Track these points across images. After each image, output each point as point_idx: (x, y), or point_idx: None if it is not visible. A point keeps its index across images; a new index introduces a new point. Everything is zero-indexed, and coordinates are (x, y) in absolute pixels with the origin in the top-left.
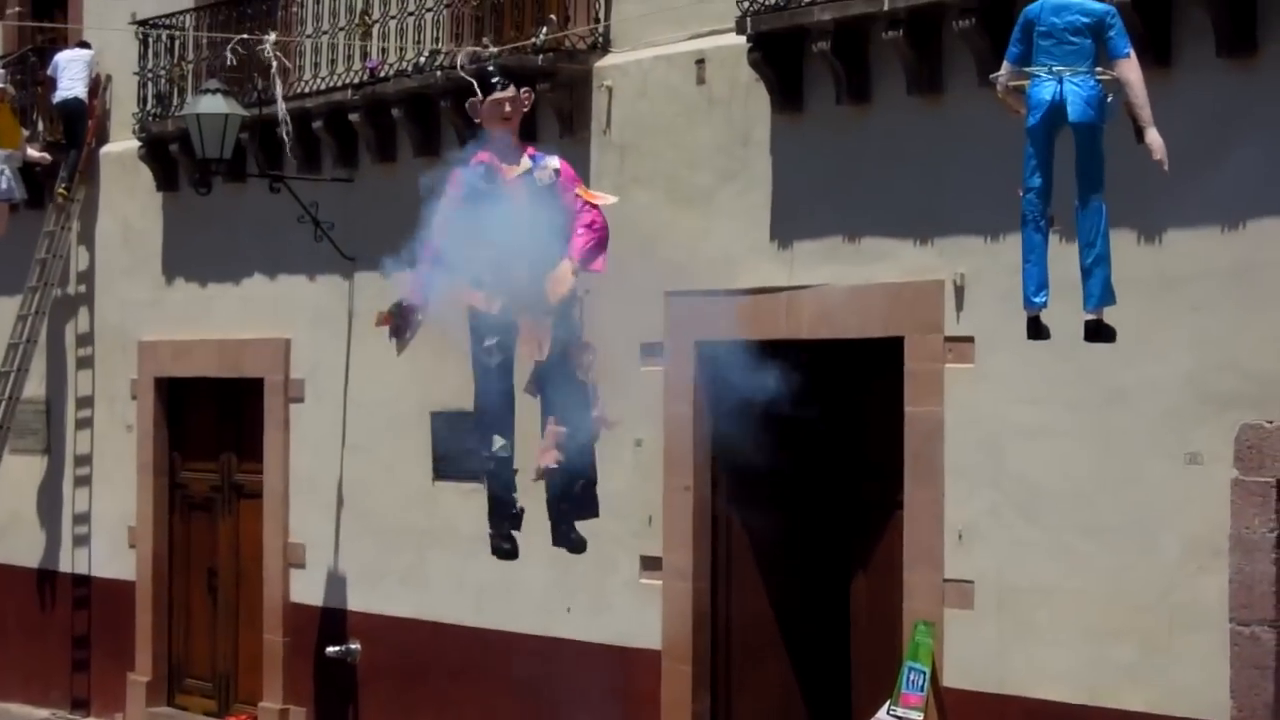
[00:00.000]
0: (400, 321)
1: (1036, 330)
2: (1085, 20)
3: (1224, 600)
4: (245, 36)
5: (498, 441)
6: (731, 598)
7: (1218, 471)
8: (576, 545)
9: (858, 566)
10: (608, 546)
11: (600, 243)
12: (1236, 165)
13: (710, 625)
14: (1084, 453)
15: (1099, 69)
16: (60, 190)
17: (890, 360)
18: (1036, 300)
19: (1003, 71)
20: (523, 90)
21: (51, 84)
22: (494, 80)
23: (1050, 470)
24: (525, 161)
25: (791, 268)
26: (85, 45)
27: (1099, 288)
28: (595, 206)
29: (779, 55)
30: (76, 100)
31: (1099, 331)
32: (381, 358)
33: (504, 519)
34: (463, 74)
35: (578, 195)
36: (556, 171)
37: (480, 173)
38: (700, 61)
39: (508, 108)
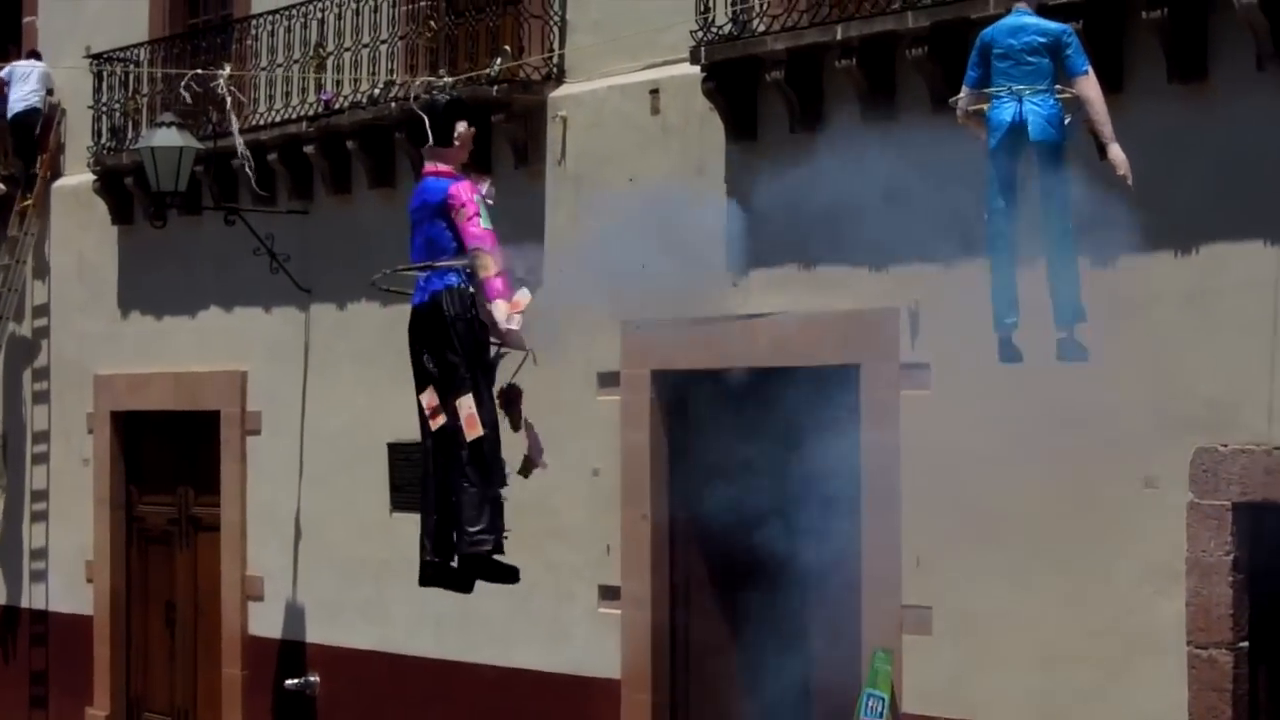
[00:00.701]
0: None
1: (1009, 352)
2: (1042, 40)
3: (1181, 624)
4: (200, 72)
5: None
6: (691, 626)
7: (1174, 495)
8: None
9: (816, 593)
10: (566, 576)
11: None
12: (1189, 190)
13: (669, 654)
14: (1040, 478)
15: (1058, 87)
16: (23, 204)
17: (846, 388)
18: (1007, 321)
19: (962, 96)
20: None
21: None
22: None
23: (1007, 496)
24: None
25: (746, 296)
26: (36, 56)
27: (1069, 305)
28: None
29: (733, 85)
30: (33, 111)
31: (1072, 349)
32: (337, 389)
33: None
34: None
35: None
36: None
37: (484, 190)
38: (655, 91)
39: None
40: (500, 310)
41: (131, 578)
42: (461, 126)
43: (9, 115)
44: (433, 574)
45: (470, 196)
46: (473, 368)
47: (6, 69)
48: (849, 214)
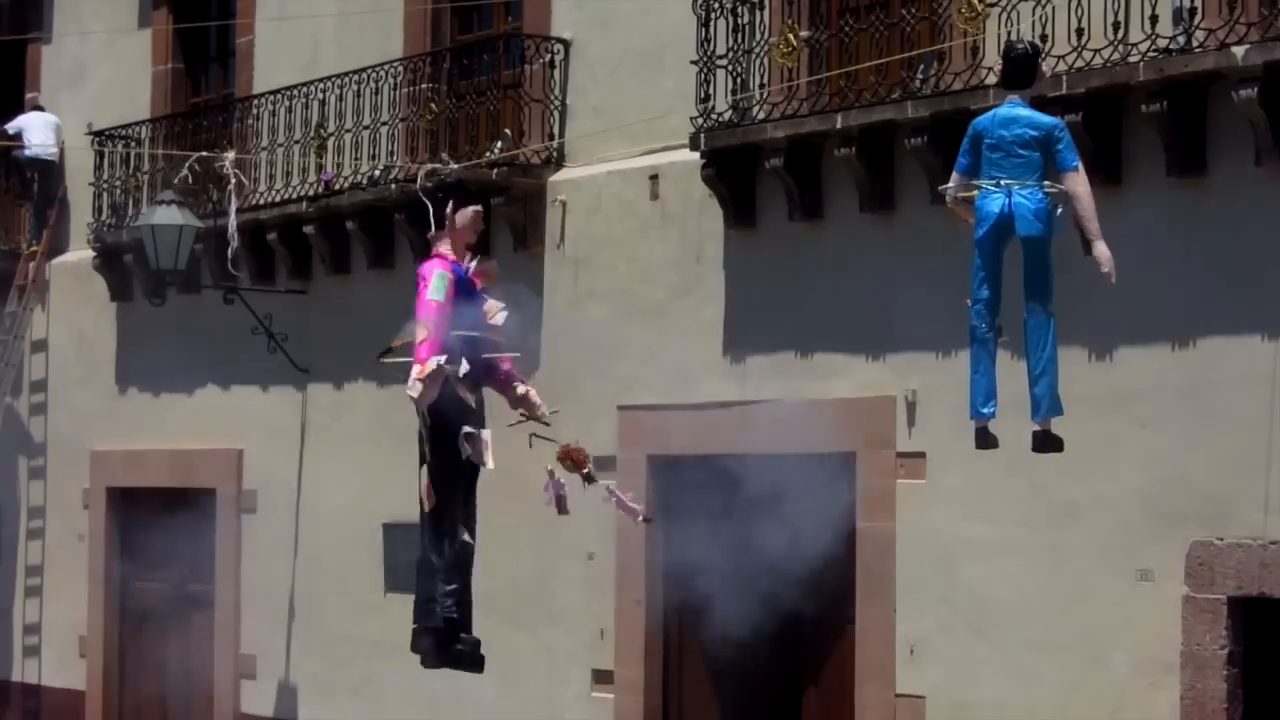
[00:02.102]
0: (430, 384)
1: (985, 440)
2: (1034, 133)
3: (1176, 717)
4: (204, 154)
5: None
6: (684, 712)
7: (1169, 588)
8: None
9: (810, 681)
10: (559, 660)
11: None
12: (1186, 283)
13: None
14: (1035, 569)
15: (1047, 182)
16: (30, 248)
17: (842, 476)
18: (985, 411)
19: (952, 182)
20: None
21: (9, 137)
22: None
23: (1002, 586)
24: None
25: (744, 382)
26: (39, 108)
27: (1045, 398)
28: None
29: (732, 171)
30: (51, 161)
31: (1047, 441)
32: (334, 469)
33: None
34: (430, 189)
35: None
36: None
37: (460, 270)
38: (654, 177)
39: (481, 222)
40: (411, 376)
41: (125, 654)
42: (455, 210)
43: (30, 157)
44: (433, 652)
45: (429, 270)
46: (433, 441)
47: (18, 121)
48: (846, 302)
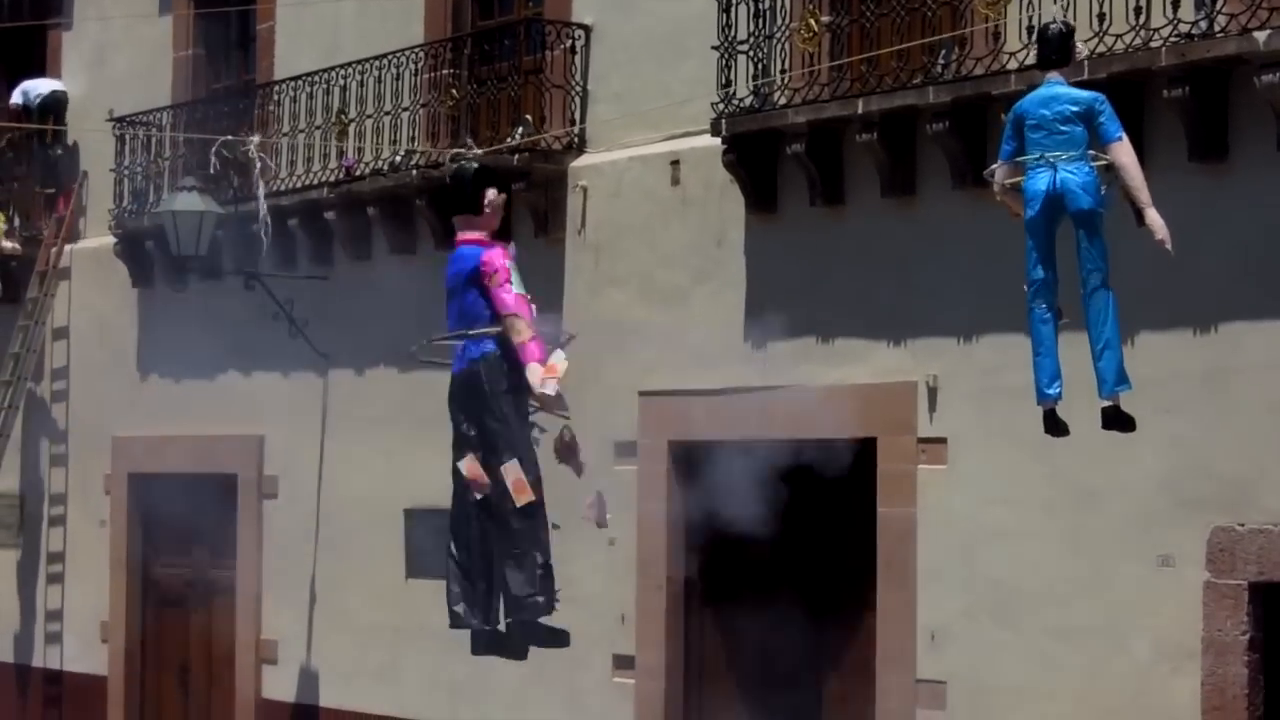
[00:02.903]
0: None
1: (1054, 425)
2: (1074, 109)
3: (1197, 703)
4: (228, 138)
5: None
6: (704, 697)
7: (1190, 574)
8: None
9: (831, 667)
10: (580, 645)
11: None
12: (1208, 269)
13: None
14: (1056, 554)
15: (1091, 152)
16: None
17: (863, 461)
18: (1049, 392)
19: (998, 169)
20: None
21: (22, 96)
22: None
23: (1023, 572)
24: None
25: (765, 368)
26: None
27: (1112, 373)
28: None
29: (753, 157)
30: (60, 96)
31: (1116, 419)
32: (355, 454)
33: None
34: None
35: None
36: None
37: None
38: (675, 162)
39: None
40: (535, 374)
41: (146, 639)
42: (491, 193)
43: (39, 99)
44: (486, 642)
45: (503, 262)
46: (515, 433)
47: (19, 91)
48: (867, 288)
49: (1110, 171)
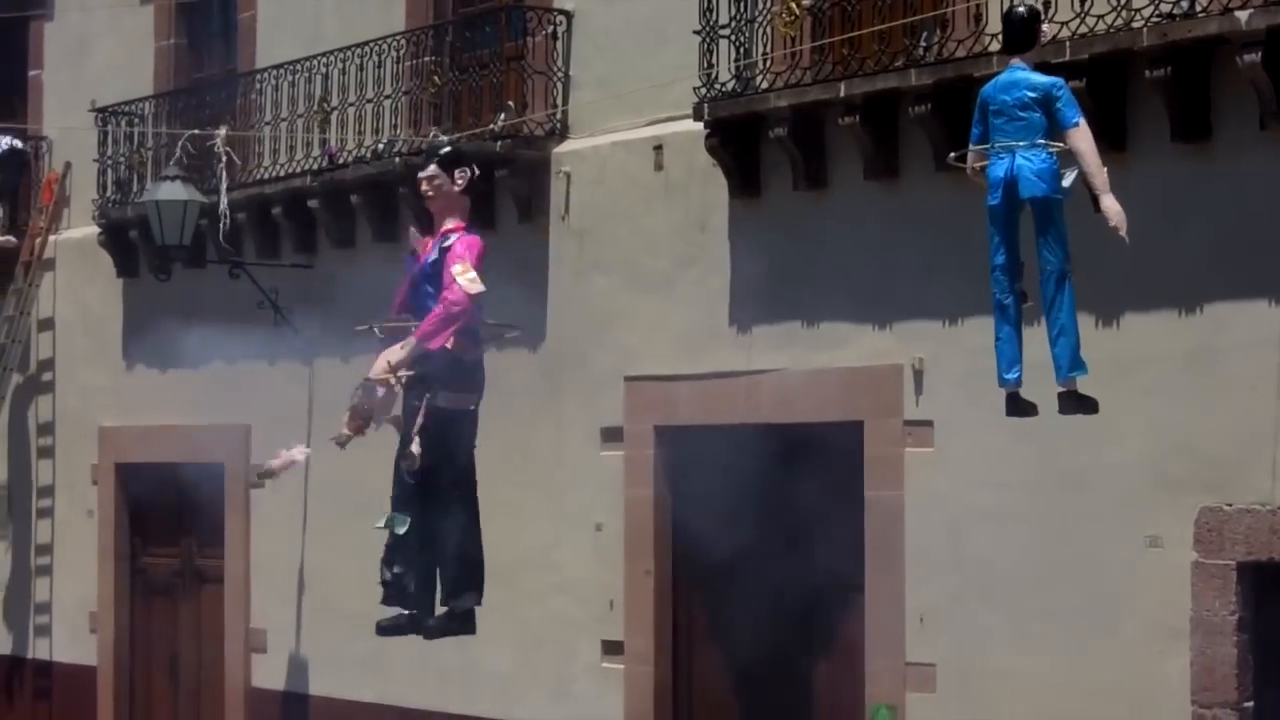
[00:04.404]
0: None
1: (1015, 407)
2: (1032, 94)
3: (1186, 683)
4: (197, 132)
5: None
6: (693, 682)
7: (1178, 554)
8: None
9: (819, 650)
10: (569, 630)
11: (445, 319)
12: (1192, 249)
13: (672, 710)
14: (1044, 536)
15: (1041, 140)
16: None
17: (850, 445)
18: (1008, 377)
19: (969, 155)
20: (458, 171)
21: None
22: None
23: (1010, 554)
24: (435, 241)
25: (750, 352)
26: None
27: (1066, 359)
28: (456, 284)
29: (736, 141)
30: (19, 150)
31: (1074, 402)
32: None
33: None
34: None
35: (453, 273)
36: (444, 249)
37: (407, 254)
38: (658, 147)
39: (424, 187)
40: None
41: (135, 629)
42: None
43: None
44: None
45: (473, 249)
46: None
47: None
48: (852, 271)
49: (1070, 157)
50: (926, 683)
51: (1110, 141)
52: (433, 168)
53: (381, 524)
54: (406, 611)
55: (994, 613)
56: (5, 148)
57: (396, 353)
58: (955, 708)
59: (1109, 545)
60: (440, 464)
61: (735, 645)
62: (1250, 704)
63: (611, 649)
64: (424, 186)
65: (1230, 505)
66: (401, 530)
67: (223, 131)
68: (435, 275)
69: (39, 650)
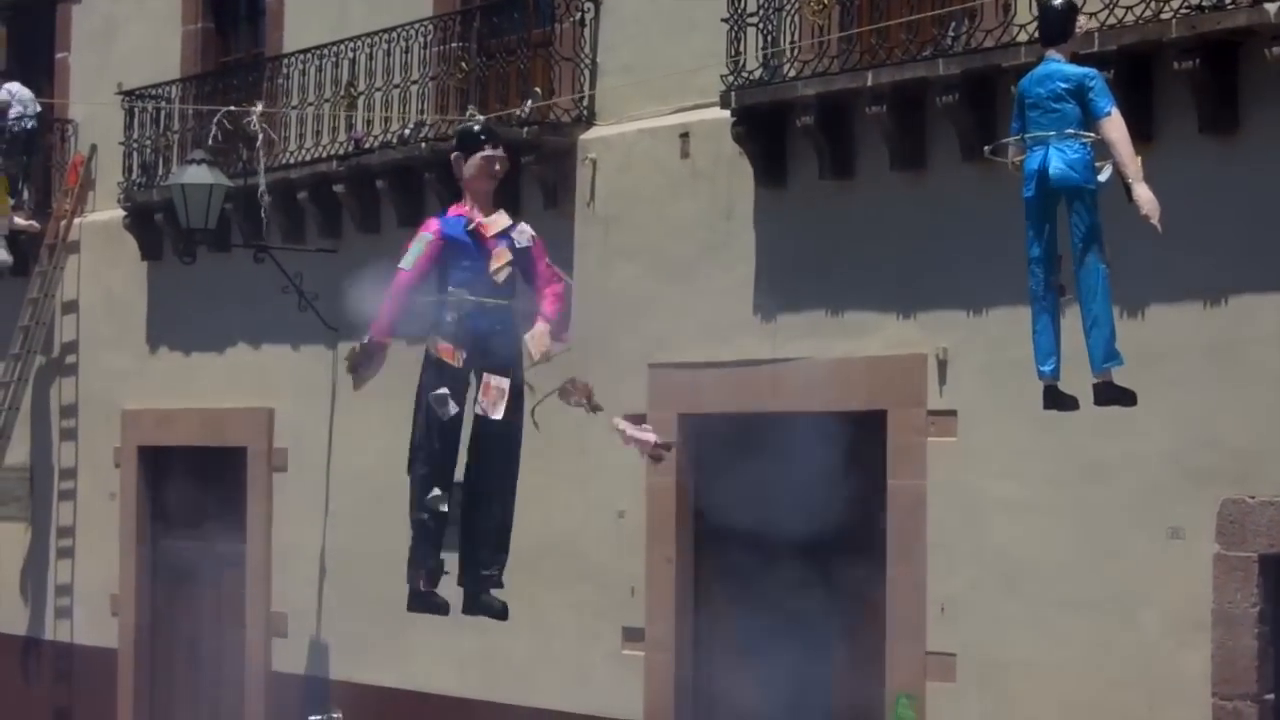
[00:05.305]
0: (363, 358)
1: (1052, 400)
2: (1065, 86)
3: (1206, 675)
4: (233, 109)
5: (436, 492)
6: (714, 669)
7: (1199, 546)
8: (497, 611)
9: (840, 638)
10: (590, 617)
11: (567, 313)
12: (1218, 240)
13: (692, 697)
14: (1066, 527)
15: (1070, 130)
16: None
17: (873, 434)
18: (1045, 370)
19: (1010, 148)
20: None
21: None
22: (483, 137)
23: (1032, 544)
24: (502, 220)
25: (774, 340)
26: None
27: (1101, 350)
28: (562, 279)
29: (763, 129)
30: (35, 130)
31: (1111, 394)
32: (365, 427)
33: (424, 570)
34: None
35: (549, 265)
36: (534, 237)
37: (461, 224)
38: (684, 135)
39: (497, 166)
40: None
41: (156, 612)
42: (465, 158)
43: (15, 130)
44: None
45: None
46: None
47: (7, 91)
48: (877, 260)
49: (1103, 148)
50: (947, 672)
51: (1138, 132)
52: (500, 149)
53: (434, 496)
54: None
55: (1015, 602)
56: (30, 125)
57: (544, 338)
58: (975, 697)
59: (1131, 536)
60: (508, 436)
61: (756, 632)
62: (1271, 696)
63: (632, 636)
64: (496, 167)
65: (1253, 498)
66: (444, 508)
67: (258, 107)
68: (522, 262)
69: (60, 632)
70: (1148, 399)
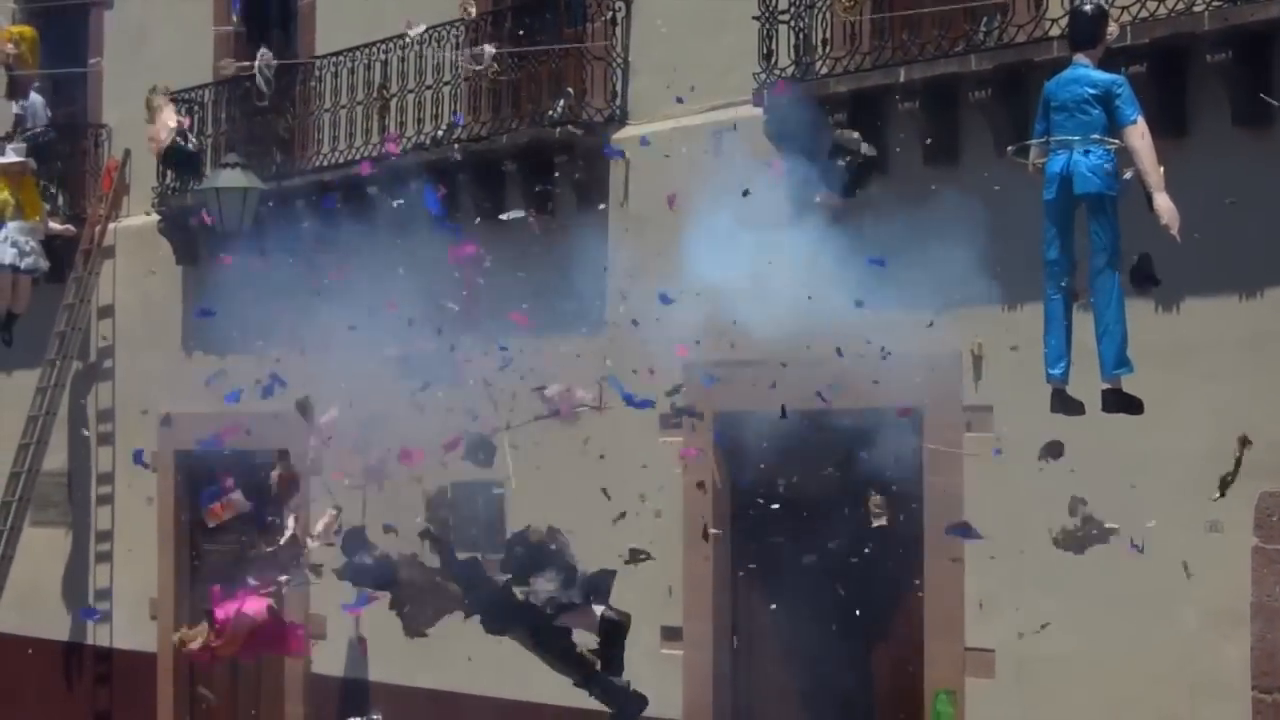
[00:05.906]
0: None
1: (1060, 403)
2: (1092, 91)
3: (1246, 668)
4: (273, 61)
5: None
6: (752, 668)
7: (1238, 539)
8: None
9: (879, 635)
10: None
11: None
12: (1253, 234)
13: (731, 696)
14: (1103, 521)
15: (1095, 136)
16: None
17: (909, 430)
18: (1054, 373)
19: (1031, 149)
20: None
21: (20, 121)
22: None
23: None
24: None
25: (809, 337)
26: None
27: (1111, 357)
28: None
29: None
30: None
31: (1118, 401)
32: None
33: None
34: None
35: None
36: None
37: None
38: (717, 133)
39: None
40: None
41: (195, 616)
42: None
43: (41, 141)
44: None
45: None
46: None
47: (20, 105)
48: (912, 256)
49: (1126, 154)
50: (986, 668)
51: (1171, 126)
52: None
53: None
54: None
55: (1052, 598)
56: (46, 139)
57: None
58: (1014, 693)
59: (1169, 530)
60: None
61: (794, 631)
62: None
63: (670, 635)
64: None
65: None
66: None
67: (268, 55)
68: None
69: (99, 636)
70: (1184, 392)
